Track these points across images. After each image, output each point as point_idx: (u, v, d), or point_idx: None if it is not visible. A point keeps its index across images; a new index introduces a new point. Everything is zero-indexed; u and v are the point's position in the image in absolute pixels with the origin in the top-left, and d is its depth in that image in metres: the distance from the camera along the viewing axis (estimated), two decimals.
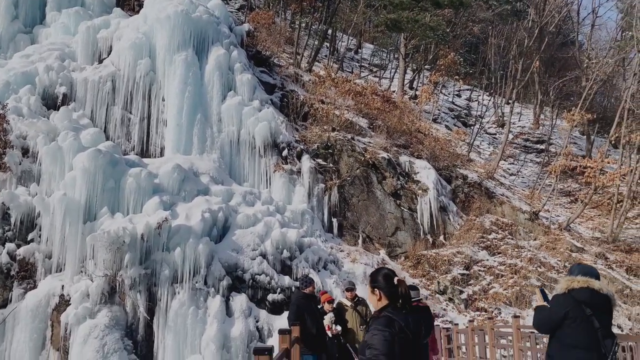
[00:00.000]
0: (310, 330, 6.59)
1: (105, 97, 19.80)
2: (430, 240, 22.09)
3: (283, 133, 20.77)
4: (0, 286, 14.55)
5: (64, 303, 14.04)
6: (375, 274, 3.51)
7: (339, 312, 8.33)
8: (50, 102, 19.24)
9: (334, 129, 22.83)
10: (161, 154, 19.48)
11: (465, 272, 20.60)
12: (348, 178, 21.72)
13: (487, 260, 21.44)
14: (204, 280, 14.96)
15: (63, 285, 14.31)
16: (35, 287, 14.61)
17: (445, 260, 20.95)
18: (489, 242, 22.23)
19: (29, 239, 15.25)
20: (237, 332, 14.58)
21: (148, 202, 15.49)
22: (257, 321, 15.20)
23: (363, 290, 17.30)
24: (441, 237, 22.50)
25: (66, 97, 19.53)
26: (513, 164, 36.42)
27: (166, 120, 19.81)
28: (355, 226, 21.50)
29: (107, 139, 18.65)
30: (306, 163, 20.63)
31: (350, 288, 8.66)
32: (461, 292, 19.83)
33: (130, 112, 20.06)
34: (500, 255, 21.76)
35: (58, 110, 18.21)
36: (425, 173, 23.39)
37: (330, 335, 7.86)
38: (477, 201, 24.26)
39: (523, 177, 34.66)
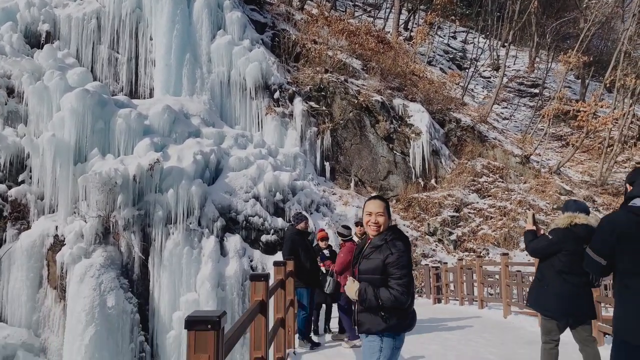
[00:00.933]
0: (304, 265, 6.70)
1: (90, 35, 19.13)
2: (422, 183, 22.27)
3: (275, 74, 20.35)
4: None
5: (58, 243, 14.14)
6: None
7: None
8: (34, 41, 18.59)
9: (326, 71, 22.39)
10: (150, 95, 19.09)
11: (455, 214, 20.93)
12: (341, 121, 21.54)
13: (477, 203, 21.75)
14: (198, 221, 15.07)
15: (57, 226, 14.36)
16: (29, 227, 14.65)
17: (436, 203, 21.22)
18: (479, 185, 22.47)
19: (19, 180, 15.15)
20: (231, 271, 14.86)
21: (139, 144, 15.31)
22: (251, 261, 15.48)
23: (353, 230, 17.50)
24: (432, 181, 22.68)
25: (50, 35, 18.84)
26: (506, 108, 36.27)
27: (155, 61, 19.28)
28: (348, 170, 21.56)
29: (95, 79, 18.18)
30: (298, 106, 20.36)
31: (359, 222, 8.68)
32: (450, 233, 20.23)
33: (118, 52, 19.46)
34: (490, 198, 22.06)
35: (42, 48, 17.60)
36: (418, 116, 23.24)
37: (326, 270, 7.99)
38: (470, 145, 24.30)
39: (516, 122, 34.63)
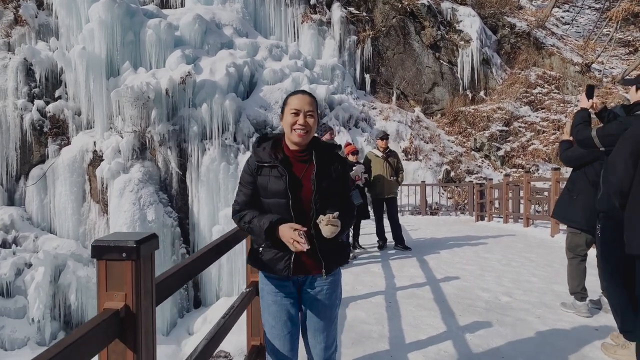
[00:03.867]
0: None
1: None
2: (470, 96, 20.92)
3: None
4: (36, 142, 14.83)
5: (97, 158, 14.29)
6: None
7: (366, 162, 7.92)
8: None
9: None
10: (182, 5, 18.22)
11: (504, 128, 19.71)
12: (383, 29, 20.07)
13: (529, 116, 20.34)
14: (233, 137, 14.78)
15: (95, 142, 14.44)
16: (69, 143, 14.82)
17: (484, 116, 19.99)
18: (532, 97, 20.89)
19: (56, 95, 15.12)
20: None
21: (170, 56, 14.79)
22: None
23: (394, 148, 16.88)
24: (482, 93, 21.25)
25: None
26: (568, 11, 32.94)
27: None
28: (390, 82, 20.41)
29: None
30: (337, 12, 18.98)
31: (384, 137, 8.05)
32: (498, 148, 19.18)
33: None
34: (543, 110, 20.55)
35: None
36: (468, 21, 21.35)
37: (360, 184, 7.54)
38: (524, 53, 22.35)
39: (578, 27, 31.53)
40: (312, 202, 2.22)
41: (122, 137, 14.17)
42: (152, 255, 1.47)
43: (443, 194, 17.49)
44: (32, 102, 14.76)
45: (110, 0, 14.26)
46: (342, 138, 16.27)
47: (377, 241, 8.17)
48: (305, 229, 2.11)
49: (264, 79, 15.83)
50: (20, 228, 14.32)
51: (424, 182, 16.60)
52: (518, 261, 7.04)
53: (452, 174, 18.07)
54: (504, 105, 20.29)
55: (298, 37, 18.57)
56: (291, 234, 2.08)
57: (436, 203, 16.80)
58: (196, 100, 14.45)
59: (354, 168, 7.40)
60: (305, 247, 2.03)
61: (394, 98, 20.19)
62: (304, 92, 2.36)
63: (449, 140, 19.67)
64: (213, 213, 14.35)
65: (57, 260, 13.69)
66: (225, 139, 14.62)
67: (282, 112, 2.35)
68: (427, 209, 16.24)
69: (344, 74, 18.30)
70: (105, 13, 14.08)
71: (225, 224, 14.22)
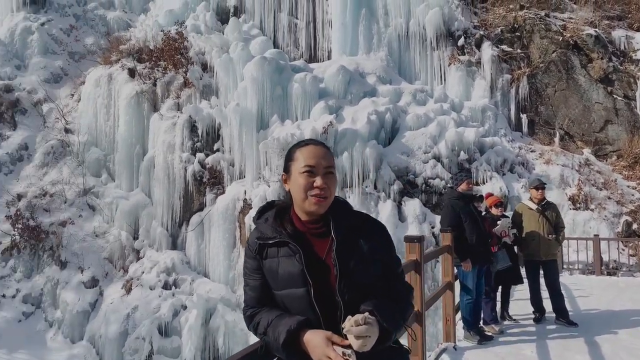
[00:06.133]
0: (468, 238, 5.30)
1: (271, 4, 19.62)
2: None
3: (458, 19, 18.12)
4: (197, 192, 16.16)
5: (247, 206, 14.98)
6: None
7: (516, 216, 6.77)
8: (224, 17, 19.85)
9: (522, 7, 19.13)
10: (328, 58, 18.84)
11: None
12: (541, 65, 18.28)
13: None
14: (374, 184, 14.39)
15: (245, 191, 15.21)
16: (223, 192, 15.86)
17: None
18: None
19: (215, 148, 16.43)
20: None
21: (314, 107, 15.16)
22: (432, 227, 14.23)
23: (558, 196, 14.84)
24: None
25: (237, 9, 19.90)
26: None
27: (331, 21, 18.89)
28: (551, 122, 18.32)
29: (276, 47, 18.65)
30: (487, 51, 17.84)
31: (539, 186, 6.80)
32: None
33: (297, 17, 19.62)
34: None
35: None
36: None
37: (508, 241, 6.45)
38: None
39: None
40: (337, 292, 1.55)
41: (268, 186, 14.71)
42: None
43: (623, 250, 14.71)
44: (194, 155, 16.23)
45: (262, 58, 15.24)
46: (494, 185, 14.82)
47: (533, 312, 6.82)
48: (348, 342, 1.43)
49: (406, 125, 15.31)
50: (180, 271, 15.52)
51: (597, 235, 14.15)
52: None
53: (635, 226, 15.20)
54: None
55: (445, 80, 17.80)
56: (326, 351, 1.43)
57: (614, 261, 14.15)
58: (337, 148, 14.46)
59: (498, 222, 6.35)
60: None
61: (556, 139, 18.01)
62: (316, 142, 1.73)
63: (628, 187, 16.73)
64: None
65: (209, 303, 14.42)
66: (366, 186, 14.29)
67: (287, 170, 1.74)
68: (602, 267, 13.74)
69: (496, 115, 16.92)
70: (257, 71, 15.05)
71: None
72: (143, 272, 15.54)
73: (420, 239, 4.28)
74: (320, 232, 1.69)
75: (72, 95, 19.83)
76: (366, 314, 1.46)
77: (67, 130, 18.58)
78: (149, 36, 18.37)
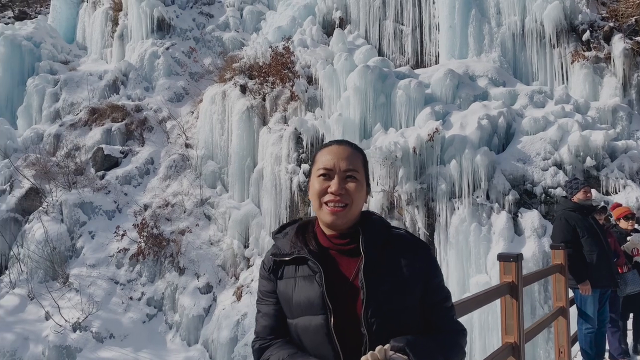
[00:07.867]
0: (587, 256, 4.47)
1: (376, 13, 19.44)
2: None
3: (582, 11, 16.37)
4: (301, 202, 16.35)
5: None
6: None
7: None
8: (330, 29, 20.08)
9: None
10: (436, 63, 18.12)
11: None
12: None
13: None
14: (486, 194, 13.39)
15: None
16: None
17: None
18: None
19: None
20: (529, 253, 12.60)
21: (419, 114, 14.60)
22: None
23: None
24: None
25: (342, 20, 20.03)
26: None
27: (438, 25, 18.18)
28: None
29: (382, 55, 18.39)
30: (618, 45, 15.83)
31: None
32: None
33: (402, 24, 19.20)
34: None
35: None
36: None
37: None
38: None
39: None
40: (363, 321, 1.26)
41: (371, 196, 14.39)
42: None
43: None
44: (299, 166, 16.46)
45: (364, 67, 15.06)
46: (629, 195, 13.01)
47: None
48: None
49: (522, 129, 14.09)
50: None
51: None
52: None
53: None
54: None
55: (567, 80, 16.13)
56: None
57: None
58: (445, 156, 13.73)
59: (628, 238, 5.39)
60: None
61: None
62: (341, 141, 1.39)
63: None
64: (463, 280, 13.05)
65: None
66: (477, 197, 13.33)
67: (309, 175, 1.47)
68: None
69: (630, 116, 14.91)
70: (360, 80, 14.90)
71: (476, 292, 12.73)
72: (252, 280, 16.04)
73: (517, 258, 3.77)
74: (348, 248, 1.39)
75: (192, 112, 21.33)
76: (387, 345, 1.12)
77: (187, 145, 19.99)
78: (258, 53, 19.15)
